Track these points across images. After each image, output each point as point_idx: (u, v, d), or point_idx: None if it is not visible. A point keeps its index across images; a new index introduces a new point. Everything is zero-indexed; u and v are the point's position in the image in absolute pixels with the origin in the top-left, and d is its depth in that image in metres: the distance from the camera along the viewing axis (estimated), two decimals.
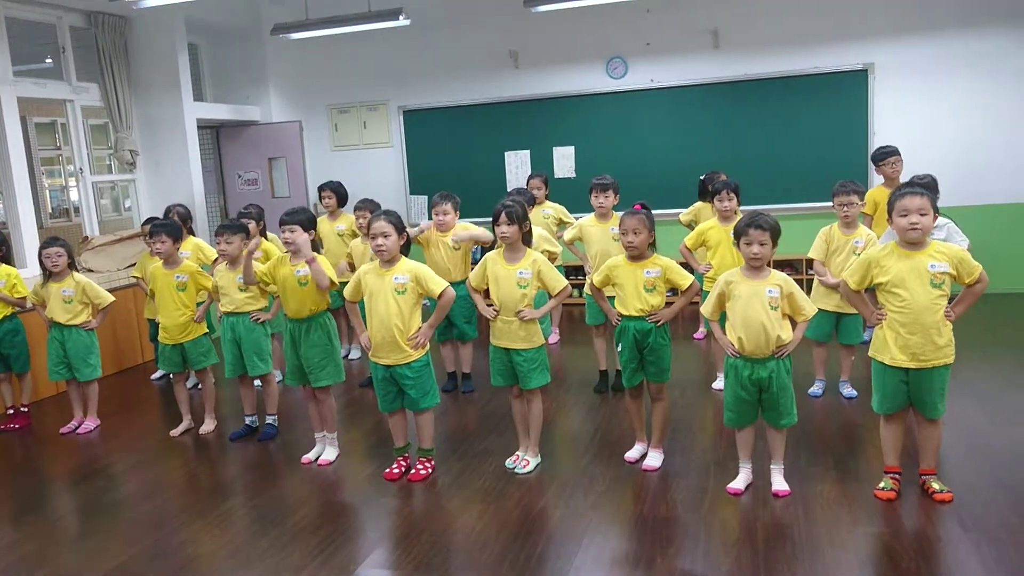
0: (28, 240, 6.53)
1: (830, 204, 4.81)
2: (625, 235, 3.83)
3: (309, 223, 4.27)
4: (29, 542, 3.64)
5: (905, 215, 3.28)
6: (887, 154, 5.89)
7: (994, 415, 4.47)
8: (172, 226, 4.92)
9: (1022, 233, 7.25)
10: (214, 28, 8.42)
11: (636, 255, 3.85)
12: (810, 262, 5.12)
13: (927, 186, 3.78)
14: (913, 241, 3.31)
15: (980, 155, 7.34)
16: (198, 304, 4.89)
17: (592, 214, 5.24)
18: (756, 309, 3.44)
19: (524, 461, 4.10)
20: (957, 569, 2.97)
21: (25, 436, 5.19)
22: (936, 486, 3.47)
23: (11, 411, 5.34)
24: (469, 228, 5.21)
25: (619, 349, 3.94)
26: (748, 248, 3.47)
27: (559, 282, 3.93)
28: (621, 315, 3.91)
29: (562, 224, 6.22)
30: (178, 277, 4.79)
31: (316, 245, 4.43)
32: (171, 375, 5.11)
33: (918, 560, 3.00)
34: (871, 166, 7.41)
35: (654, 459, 4.01)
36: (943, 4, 7.26)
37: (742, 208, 5.00)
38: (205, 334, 4.94)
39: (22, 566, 3.41)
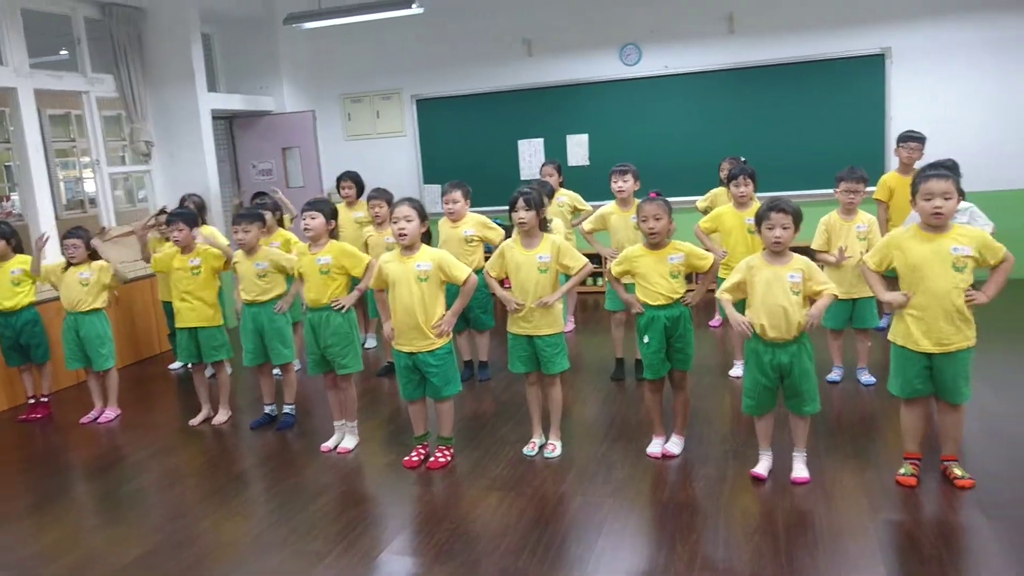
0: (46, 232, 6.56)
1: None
2: (645, 222, 3.81)
3: (330, 213, 4.32)
4: (52, 530, 3.68)
5: (929, 198, 3.26)
6: (909, 138, 5.83)
7: (1015, 401, 4.44)
8: (188, 214, 4.98)
9: None
10: (227, 18, 8.41)
11: (657, 242, 3.84)
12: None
13: (950, 168, 3.76)
14: (936, 225, 3.29)
15: (999, 140, 7.25)
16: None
17: (613, 202, 5.23)
18: (777, 294, 3.42)
19: (551, 445, 4.12)
20: (979, 555, 2.96)
21: (46, 426, 5.24)
22: (958, 472, 3.46)
23: (32, 401, 5.39)
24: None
25: (646, 340, 3.88)
26: (770, 232, 3.44)
27: (579, 260, 3.96)
28: (647, 304, 3.88)
29: (576, 212, 6.21)
30: (192, 262, 4.83)
31: (335, 234, 4.46)
32: (190, 365, 5.15)
33: (940, 547, 3.00)
34: (887, 152, 7.38)
35: (675, 446, 4.01)
36: None
37: (758, 195, 4.98)
38: (220, 327, 4.95)
39: (46, 554, 3.45)
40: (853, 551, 3.02)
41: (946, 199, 3.24)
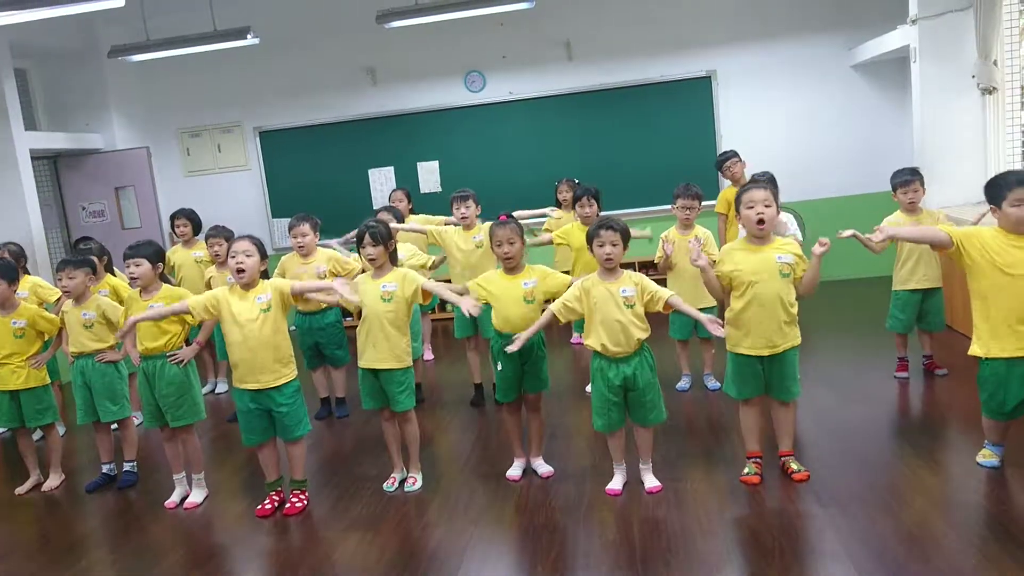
0: None
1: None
2: (500, 246, 3.82)
3: (156, 256, 4.10)
4: None
5: (752, 206, 3.48)
6: (724, 159, 6.23)
7: (842, 394, 4.78)
8: (5, 267, 4.54)
9: (853, 223, 7.74)
10: (44, 52, 7.87)
11: (513, 266, 3.85)
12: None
13: (768, 181, 4.04)
14: (760, 235, 3.50)
15: (812, 152, 7.85)
16: (44, 347, 4.53)
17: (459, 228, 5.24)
18: (612, 310, 3.54)
19: (411, 479, 4.06)
20: (816, 542, 3.15)
21: None
22: (794, 466, 3.67)
23: None
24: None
25: (499, 367, 3.88)
26: (601, 250, 3.57)
27: (420, 283, 3.90)
28: (501, 331, 3.87)
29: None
30: (15, 323, 4.41)
31: (166, 277, 4.25)
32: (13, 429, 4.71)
33: (780, 538, 3.16)
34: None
35: (546, 466, 4.04)
36: (774, 14, 7.75)
37: (604, 214, 5.11)
38: (44, 387, 4.55)
39: None
40: (703, 551, 3.13)
41: (767, 206, 3.46)
